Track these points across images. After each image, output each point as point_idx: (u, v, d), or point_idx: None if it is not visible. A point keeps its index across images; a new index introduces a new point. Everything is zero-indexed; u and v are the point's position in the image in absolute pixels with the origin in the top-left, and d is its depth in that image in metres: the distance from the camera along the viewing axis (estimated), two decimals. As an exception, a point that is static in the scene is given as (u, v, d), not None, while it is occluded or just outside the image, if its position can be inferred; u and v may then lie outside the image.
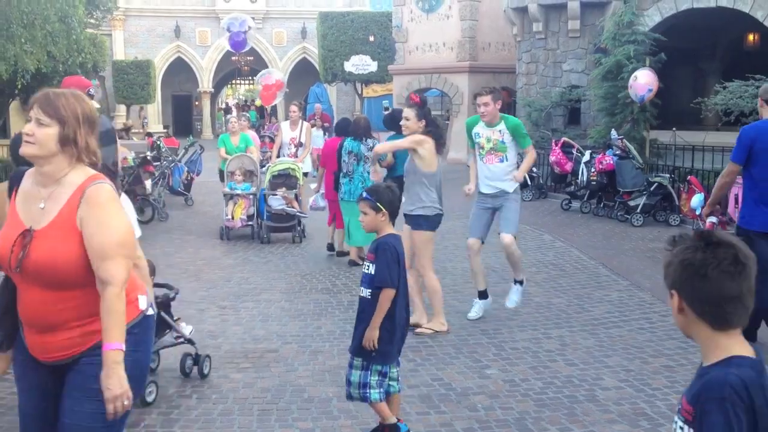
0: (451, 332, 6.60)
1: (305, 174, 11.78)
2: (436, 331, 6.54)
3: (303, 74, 37.98)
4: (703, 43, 18.35)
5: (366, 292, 4.30)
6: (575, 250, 10.08)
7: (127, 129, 28.54)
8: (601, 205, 13.09)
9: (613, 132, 13.63)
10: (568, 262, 9.46)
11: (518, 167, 6.99)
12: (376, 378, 4.30)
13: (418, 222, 6.52)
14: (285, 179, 10.90)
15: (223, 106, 50.78)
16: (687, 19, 15.58)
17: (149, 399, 4.97)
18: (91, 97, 6.21)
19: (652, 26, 15.49)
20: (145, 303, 3.14)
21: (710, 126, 16.02)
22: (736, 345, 2.00)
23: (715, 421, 1.89)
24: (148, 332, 3.16)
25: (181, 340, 5.56)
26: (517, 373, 5.62)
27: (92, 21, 27.04)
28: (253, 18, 37.92)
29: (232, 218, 11.05)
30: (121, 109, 35.96)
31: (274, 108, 34.70)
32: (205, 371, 5.53)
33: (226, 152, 12.03)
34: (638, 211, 11.92)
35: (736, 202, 9.19)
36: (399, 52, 25.04)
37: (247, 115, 14.07)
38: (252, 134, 13.80)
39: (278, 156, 11.64)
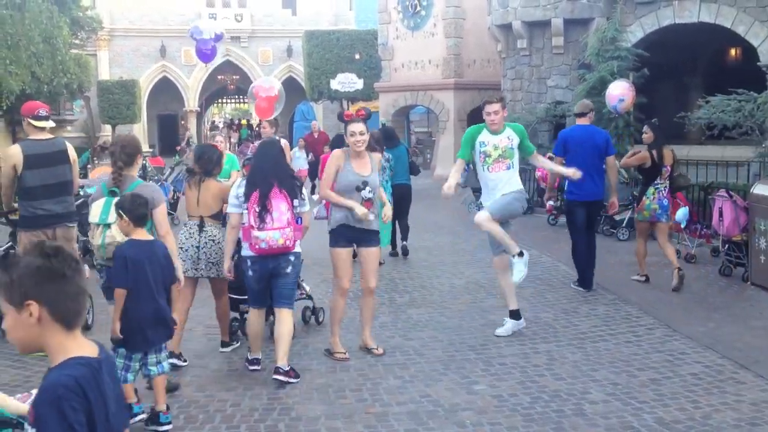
0: (439, 348, 6.60)
1: None
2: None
3: (289, 92, 37.73)
4: (686, 58, 18.51)
5: None
6: (562, 265, 10.11)
7: (103, 148, 28.30)
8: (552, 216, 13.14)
9: (598, 147, 13.69)
10: (555, 276, 9.48)
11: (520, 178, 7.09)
12: (122, 362, 4.84)
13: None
14: None
15: (209, 125, 50.69)
16: (669, 34, 15.74)
17: None
18: (39, 117, 6.62)
19: (635, 42, 15.64)
20: None
21: (694, 140, 16.13)
22: (78, 347, 2.15)
23: (50, 419, 2.02)
24: None
25: (304, 295, 7.32)
26: (505, 388, 5.62)
27: (77, 41, 27.06)
28: (239, 37, 38.20)
29: None
30: (107, 129, 35.87)
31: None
32: (320, 320, 7.33)
33: None
34: (624, 225, 11.97)
35: (720, 216, 9.26)
36: (385, 70, 25.16)
37: (221, 134, 13.03)
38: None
39: None
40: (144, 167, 16.51)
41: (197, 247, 6.23)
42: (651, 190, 8.93)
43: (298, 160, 18.45)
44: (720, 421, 4.94)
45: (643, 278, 9.04)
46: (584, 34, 16.70)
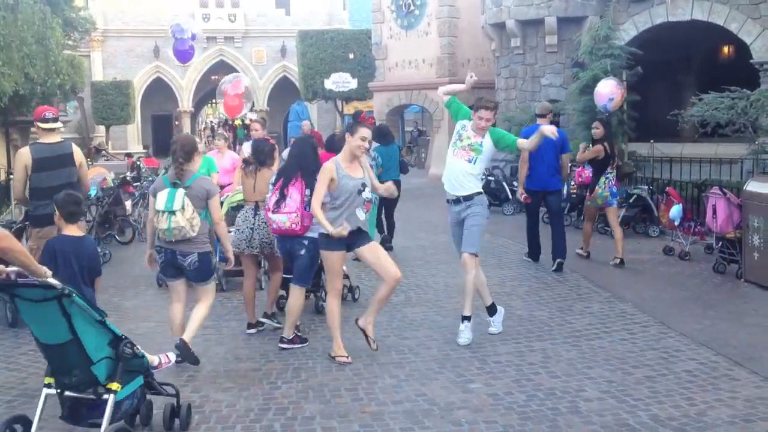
0: (434, 347, 6.61)
1: None
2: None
3: (284, 92, 38.04)
4: (679, 56, 18.56)
5: None
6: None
7: (98, 150, 28.18)
8: (582, 218, 13.14)
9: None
10: (549, 274, 9.49)
11: (485, 179, 7.11)
12: None
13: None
14: None
15: (203, 126, 50.58)
16: (662, 32, 15.77)
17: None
18: (46, 119, 7.10)
19: (628, 40, 15.67)
20: None
21: (687, 138, 16.19)
22: None
23: None
24: None
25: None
26: (501, 386, 5.63)
27: (70, 42, 26.97)
28: (232, 37, 38.14)
29: None
30: (101, 129, 35.79)
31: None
32: (356, 297, 8.24)
33: None
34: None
35: (714, 213, 9.29)
36: (379, 69, 25.16)
37: (224, 133, 12.75)
38: (230, 155, 10.93)
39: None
40: (138, 168, 16.52)
41: (252, 228, 7.09)
42: (602, 179, 10.05)
43: None
44: (715, 418, 4.96)
45: (586, 254, 10.36)
46: (578, 33, 16.74)
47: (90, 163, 16.86)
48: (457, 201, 6.83)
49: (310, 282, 6.94)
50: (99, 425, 4.24)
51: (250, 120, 11.43)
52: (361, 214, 6.20)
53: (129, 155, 23.65)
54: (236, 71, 36.59)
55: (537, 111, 10.32)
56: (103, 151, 28.84)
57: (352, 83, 29.41)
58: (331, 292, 6.34)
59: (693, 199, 11.48)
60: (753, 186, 8.82)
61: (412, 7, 23.55)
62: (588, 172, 12.77)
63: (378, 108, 25.21)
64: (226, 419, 5.10)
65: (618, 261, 9.82)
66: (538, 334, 6.96)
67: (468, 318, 6.77)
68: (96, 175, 12.82)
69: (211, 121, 53.82)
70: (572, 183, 13.13)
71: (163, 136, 40.15)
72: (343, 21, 38.16)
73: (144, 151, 31.56)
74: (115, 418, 4.31)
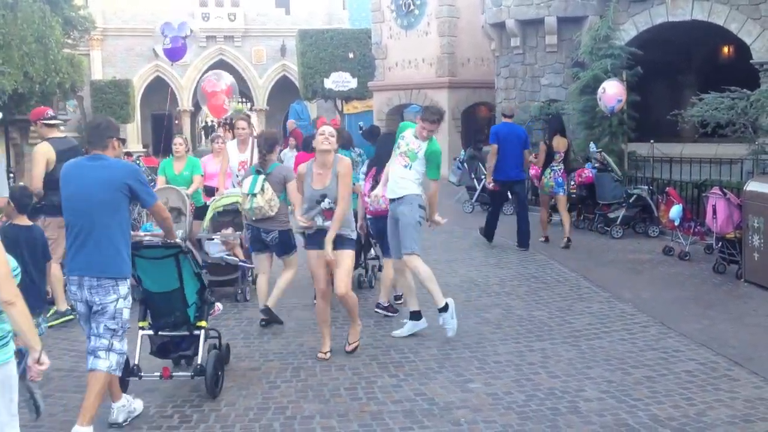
0: (434, 347, 6.60)
1: None
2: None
3: (283, 92, 37.97)
4: (679, 56, 18.54)
5: None
6: (556, 263, 10.12)
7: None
8: (581, 218, 13.15)
9: (592, 145, 13.72)
10: (549, 274, 9.49)
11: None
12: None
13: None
14: (234, 217, 8.62)
15: (203, 125, 50.44)
16: (662, 32, 15.76)
17: None
18: (51, 118, 7.80)
19: (628, 40, 15.66)
20: None
21: (687, 138, 16.17)
22: None
23: None
24: None
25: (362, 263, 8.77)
26: (500, 386, 5.62)
27: (70, 41, 26.97)
28: (232, 36, 38.12)
29: None
30: (100, 128, 35.70)
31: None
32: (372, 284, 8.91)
33: (167, 182, 9.28)
34: (618, 223, 11.99)
35: (714, 213, 9.28)
36: (379, 69, 25.14)
37: (222, 136, 12.56)
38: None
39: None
40: (138, 166, 16.50)
41: None
42: (548, 171, 11.33)
43: (291, 159, 18.41)
44: (714, 418, 4.95)
45: (544, 239, 11.49)
46: (577, 33, 16.72)
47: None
48: (392, 201, 7.06)
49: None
50: (184, 357, 5.58)
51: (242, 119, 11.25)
52: (319, 221, 6.27)
53: (128, 154, 23.58)
54: (236, 70, 36.65)
55: (506, 112, 11.54)
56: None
57: (352, 83, 29.35)
58: (317, 294, 6.53)
59: (693, 200, 11.48)
60: (753, 186, 8.81)
61: (411, 7, 23.53)
62: (588, 172, 12.82)
63: (378, 107, 25.20)
64: (225, 418, 5.10)
65: (566, 241, 11.19)
66: (537, 334, 6.95)
67: (444, 309, 6.74)
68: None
69: (212, 121, 53.69)
70: (572, 183, 13.10)
71: (163, 135, 40.12)
72: (343, 20, 38.10)
73: (144, 150, 31.55)
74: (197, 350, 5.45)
